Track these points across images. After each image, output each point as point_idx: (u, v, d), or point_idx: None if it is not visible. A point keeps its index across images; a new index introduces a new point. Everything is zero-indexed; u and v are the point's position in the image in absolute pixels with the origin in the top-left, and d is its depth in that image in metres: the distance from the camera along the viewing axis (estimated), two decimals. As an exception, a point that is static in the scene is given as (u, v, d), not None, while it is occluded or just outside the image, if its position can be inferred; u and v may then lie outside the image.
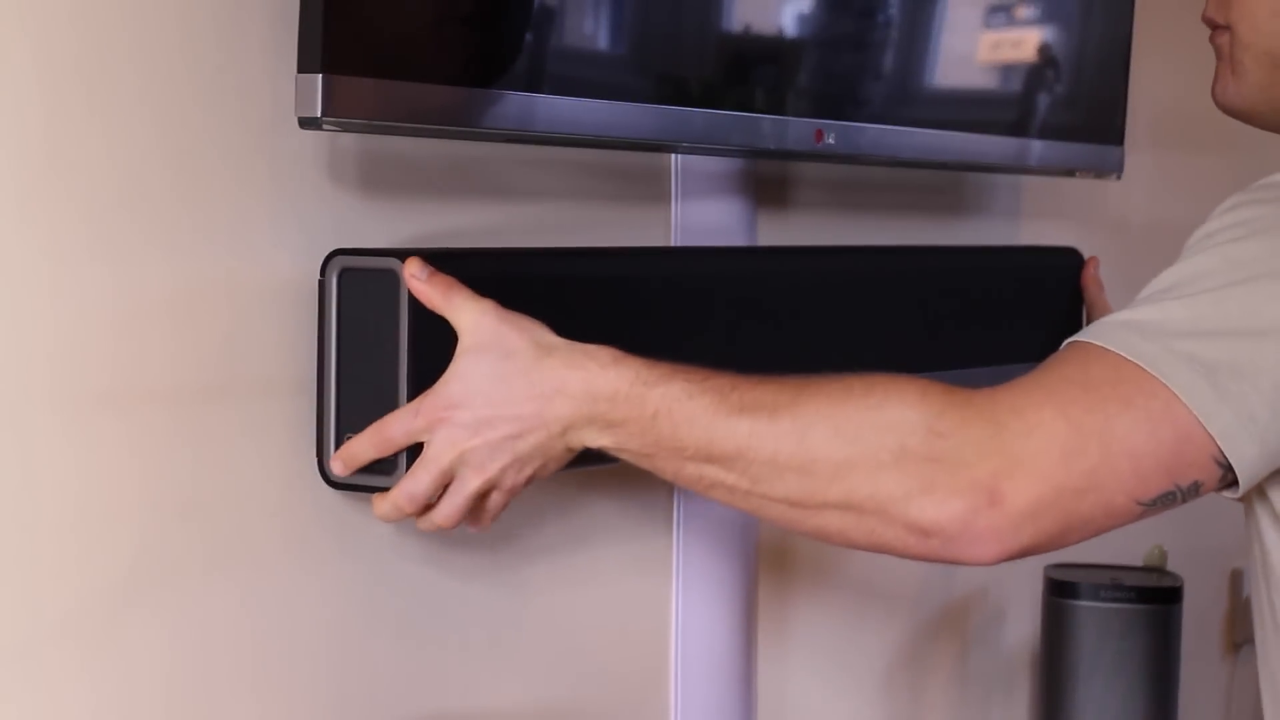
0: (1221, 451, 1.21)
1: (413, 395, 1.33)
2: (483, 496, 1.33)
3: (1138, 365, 1.22)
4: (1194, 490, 1.23)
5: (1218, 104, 1.43)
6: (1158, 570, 2.20)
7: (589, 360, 1.30)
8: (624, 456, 1.31)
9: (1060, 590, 2.14)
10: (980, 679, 2.26)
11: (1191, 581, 2.18)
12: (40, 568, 1.25)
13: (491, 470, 1.31)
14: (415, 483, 1.32)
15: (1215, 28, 1.42)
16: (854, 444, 1.23)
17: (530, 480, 1.33)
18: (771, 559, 1.90)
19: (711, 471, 1.27)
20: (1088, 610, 2.11)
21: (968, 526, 1.20)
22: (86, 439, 1.27)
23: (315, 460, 1.38)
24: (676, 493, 1.76)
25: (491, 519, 1.36)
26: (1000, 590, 2.28)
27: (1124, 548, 2.28)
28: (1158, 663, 2.12)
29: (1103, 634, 2.11)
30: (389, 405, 1.33)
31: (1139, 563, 2.22)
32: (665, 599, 1.77)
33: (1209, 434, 1.21)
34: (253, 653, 1.38)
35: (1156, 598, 2.12)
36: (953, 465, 1.21)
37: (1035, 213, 2.28)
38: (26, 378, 1.23)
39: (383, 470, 1.34)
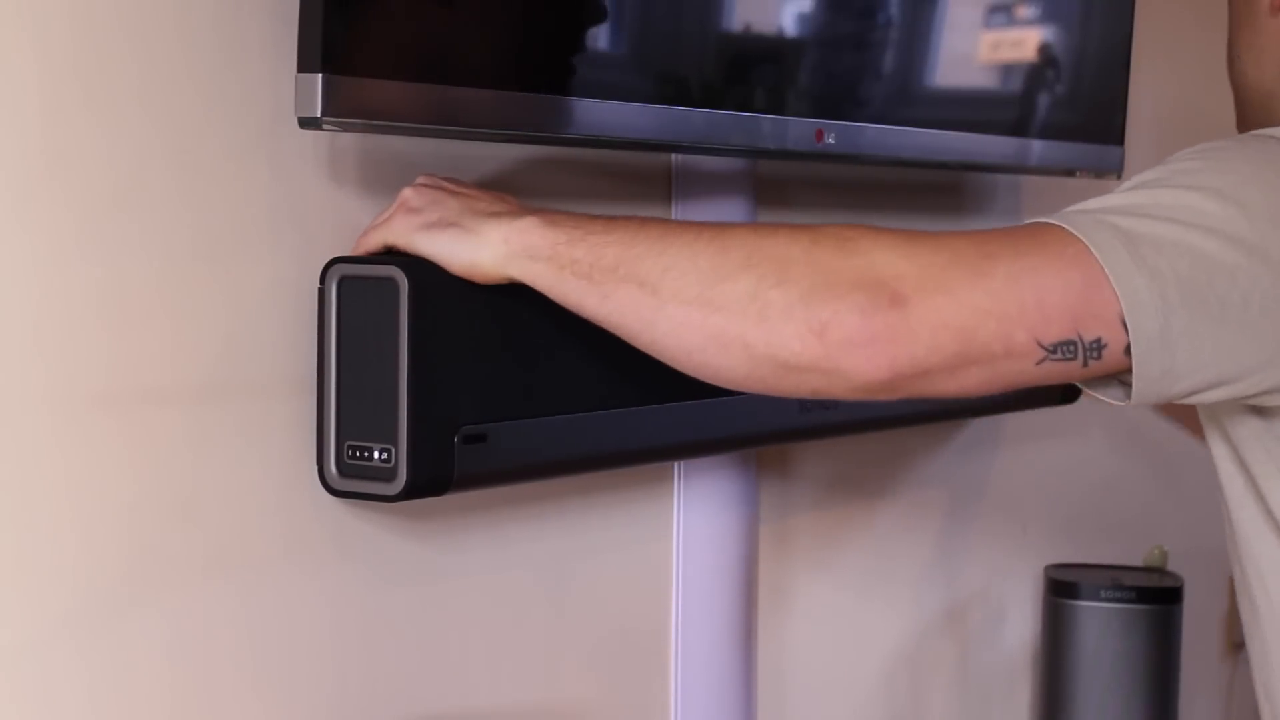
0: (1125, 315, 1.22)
1: (413, 401, 1.33)
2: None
3: (1063, 228, 1.24)
4: (1096, 349, 1.22)
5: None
6: (1158, 570, 2.20)
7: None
8: (542, 248, 1.30)
9: (1060, 590, 2.14)
10: (980, 679, 2.26)
11: (1191, 581, 2.17)
12: (39, 569, 1.24)
13: (420, 201, 1.35)
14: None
15: None
16: (770, 238, 1.25)
17: (424, 223, 1.34)
18: (772, 561, 1.90)
19: (632, 259, 1.26)
20: (1088, 610, 2.11)
21: (866, 322, 1.19)
22: (85, 440, 1.26)
23: (314, 463, 1.37)
24: (677, 496, 1.76)
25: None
26: (1000, 590, 2.28)
27: (1124, 548, 2.28)
28: (1158, 663, 2.12)
29: (1103, 634, 2.11)
30: (389, 411, 1.33)
31: (1139, 563, 2.22)
32: (665, 600, 1.77)
33: (1116, 292, 1.21)
34: (251, 655, 1.38)
35: (1156, 598, 2.12)
36: (860, 266, 1.21)
37: (1035, 213, 2.26)
38: (25, 378, 1.23)
39: (383, 477, 1.34)
